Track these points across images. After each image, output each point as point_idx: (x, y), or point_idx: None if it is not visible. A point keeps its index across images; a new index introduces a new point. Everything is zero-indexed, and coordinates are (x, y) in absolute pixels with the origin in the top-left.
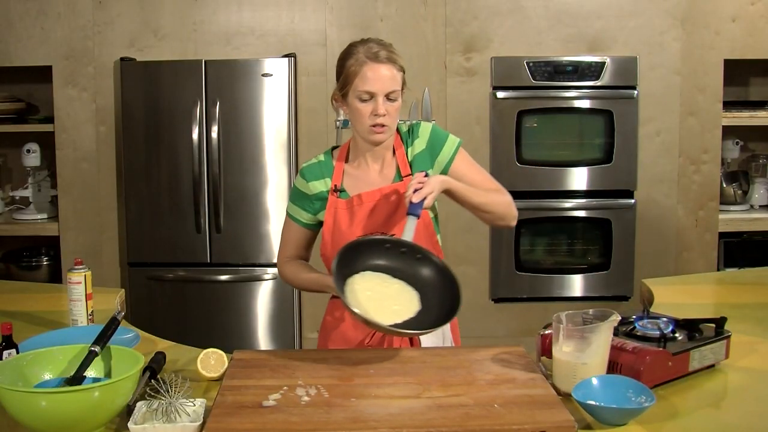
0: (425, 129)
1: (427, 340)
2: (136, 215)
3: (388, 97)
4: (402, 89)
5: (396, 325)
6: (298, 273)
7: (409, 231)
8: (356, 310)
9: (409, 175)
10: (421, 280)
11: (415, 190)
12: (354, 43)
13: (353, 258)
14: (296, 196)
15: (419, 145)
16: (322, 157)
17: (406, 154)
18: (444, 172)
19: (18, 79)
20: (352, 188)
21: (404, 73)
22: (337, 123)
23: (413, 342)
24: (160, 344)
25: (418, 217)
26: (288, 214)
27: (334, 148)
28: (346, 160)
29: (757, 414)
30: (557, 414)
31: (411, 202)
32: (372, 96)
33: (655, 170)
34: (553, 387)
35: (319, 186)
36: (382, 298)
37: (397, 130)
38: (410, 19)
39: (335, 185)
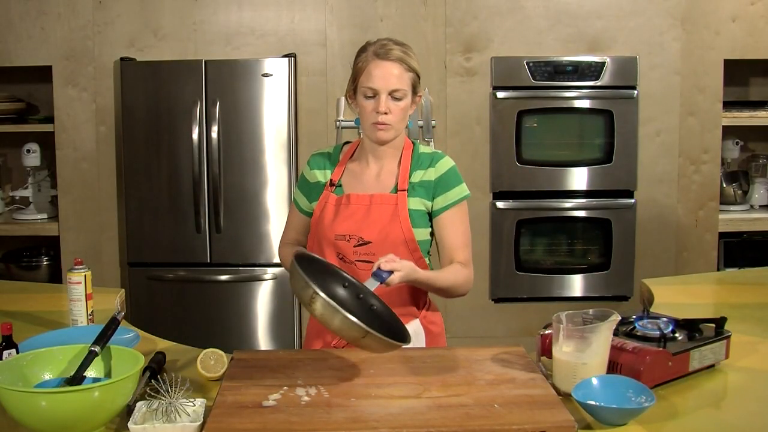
0: (445, 164)
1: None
2: (136, 215)
3: (392, 95)
4: (415, 92)
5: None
6: (290, 257)
7: (370, 285)
8: (327, 298)
9: (404, 190)
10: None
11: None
12: (369, 41)
13: (318, 271)
14: (300, 182)
15: (431, 174)
16: (331, 150)
17: (411, 173)
18: (437, 212)
19: (18, 79)
20: (347, 185)
21: (417, 76)
22: (337, 123)
23: None
24: (160, 344)
25: (380, 282)
26: (293, 198)
27: (346, 143)
28: (351, 157)
29: (757, 414)
30: (557, 414)
31: (379, 267)
32: (375, 93)
33: (655, 170)
34: (553, 387)
35: (318, 176)
36: None
37: (414, 147)
38: (410, 19)
39: (332, 180)
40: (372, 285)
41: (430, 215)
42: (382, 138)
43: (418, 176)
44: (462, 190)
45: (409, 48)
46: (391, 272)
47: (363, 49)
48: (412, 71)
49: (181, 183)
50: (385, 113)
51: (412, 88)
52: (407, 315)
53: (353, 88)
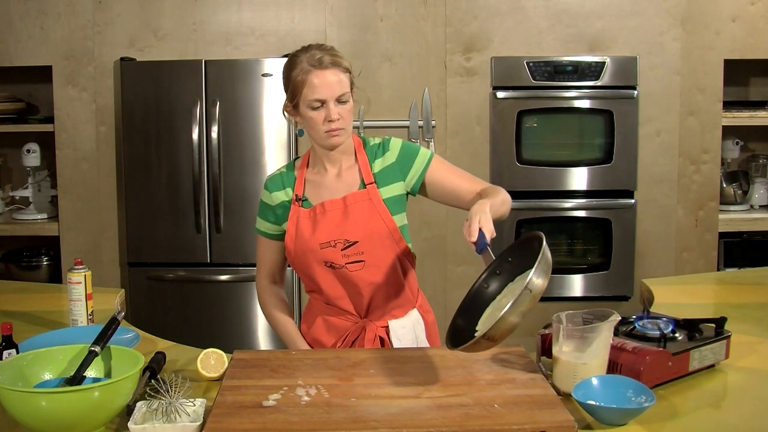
0: (396, 144)
1: (398, 342)
2: (136, 215)
3: (338, 100)
4: (351, 89)
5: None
6: (274, 314)
7: (489, 262)
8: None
9: (373, 183)
10: (527, 264)
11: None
12: (296, 52)
13: (471, 316)
14: (261, 209)
15: (389, 158)
16: (284, 169)
17: (372, 165)
18: (417, 182)
19: (18, 79)
20: (312, 195)
21: (350, 73)
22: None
23: (384, 343)
24: (160, 344)
25: (486, 247)
26: (256, 230)
27: (296, 159)
28: (307, 168)
29: (757, 414)
30: (557, 414)
31: (474, 243)
32: (322, 103)
33: (655, 170)
34: (553, 387)
35: (280, 196)
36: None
37: (364, 142)
38: (410, 19)
39: (297, 195)
40: (488, 261)
41: (410, 193)
42: (338, 143)
43: (378, 166)
44: (424, 153)
45: (334, 49)
46: (482, 234)
47: (294, 64)
48: (347, 71)
49: (181, 183)
50: (337, 119)
51: (350, 87)
52: (405, 305)
53: (293, 103)
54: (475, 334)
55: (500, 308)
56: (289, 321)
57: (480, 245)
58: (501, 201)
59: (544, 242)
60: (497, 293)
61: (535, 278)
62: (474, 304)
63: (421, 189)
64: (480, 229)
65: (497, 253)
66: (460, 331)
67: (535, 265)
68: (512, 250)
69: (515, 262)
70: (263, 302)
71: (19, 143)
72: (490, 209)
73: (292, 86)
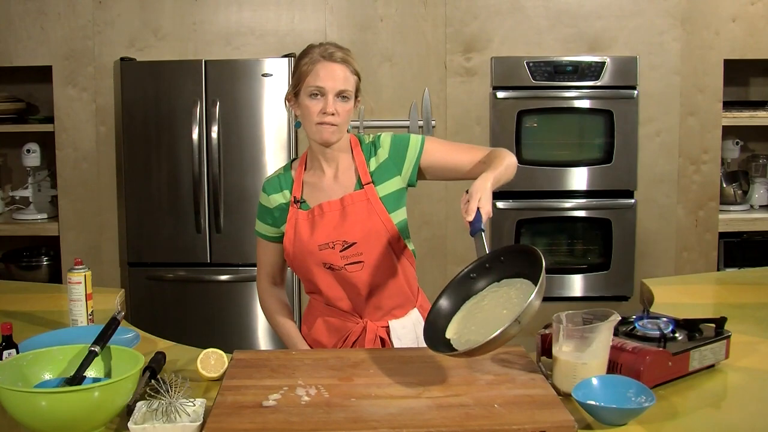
0: (386, 139)
1: (399, 342)
2: (136, 215)
3: (339, 95)
4: (357, 96)
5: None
6: (275, 317)
7: (481, 248)
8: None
9: (370, 183)
10: (518, 271)
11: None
12: (312, 44)
13: (450, 302)
14: (259, 212)
15: (382, 154)
16: (281, 171)
17: (368, 164)
18: (413, 173)
19: (18, 79)
20: (310, 197)
21: (359, 79)
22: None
23: (384, 343)
24: (160, 344)
25: (481, 231)
26: (255, 232)
27: (293, 160)
28: (305, 170)
29: (757, 414)
30: (557, 414)
31: (469, 223)
32: (322, 93)
33: (655, 170)
34: (553, 387)
35: (278, 198)
36: (492, 307)
37: (360, 140)
38: (410, 19)
39: (295, 197)
40: (480, 240)
41: (410, 185)
42: (328, 139)
43: (373, 164)
44: (416, 139)
45: (350, 51)
46: (479, 215)
47: (305, 53)
48: (355, 74)
49: (181, 183)
50: (333, 114)
51: (355, 90)
52: (406, 305)
53: (295, 91)
54: (459, 349)
55: (481, 309)
56: (290, 324)
57: (474, 228)
58: (505, 167)
59: (543, 269)
60: (481, 289)
61: (532, 300)
62: (455, 293)
63: (419, 175)
64: (477, 210)
65: (493, 247)
66: (437, 325)
67: (530, 299)
68: (507, 252)
69: (507, 264)
70: (264, 305)
71: (19, 143)
72: (492, 183)
73: (298, 74)
